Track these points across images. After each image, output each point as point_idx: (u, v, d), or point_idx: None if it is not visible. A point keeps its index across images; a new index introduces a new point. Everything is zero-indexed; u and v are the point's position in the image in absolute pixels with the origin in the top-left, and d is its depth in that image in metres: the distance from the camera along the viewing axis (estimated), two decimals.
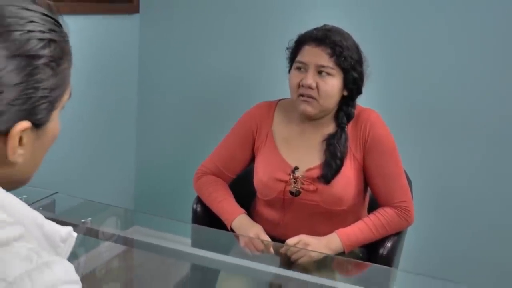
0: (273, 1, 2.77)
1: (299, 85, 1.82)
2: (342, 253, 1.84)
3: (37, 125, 0.78)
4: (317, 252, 1.79)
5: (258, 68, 2.81)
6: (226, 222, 1.93)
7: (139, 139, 3.23)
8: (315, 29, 1.87)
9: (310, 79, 1.79)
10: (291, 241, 1.81)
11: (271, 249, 1.84)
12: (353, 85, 1.84)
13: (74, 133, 2.73)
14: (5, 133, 0.74)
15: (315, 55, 1.80)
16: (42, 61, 0.75)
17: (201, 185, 2.02)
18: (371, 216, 1.88)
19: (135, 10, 3.00)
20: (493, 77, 2.49)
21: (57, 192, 1.88)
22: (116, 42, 2.94)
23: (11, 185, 0.79)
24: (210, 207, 2.00)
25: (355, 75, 1.82)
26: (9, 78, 0.72)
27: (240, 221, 1.90)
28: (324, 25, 1.89)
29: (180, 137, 3.10)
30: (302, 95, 1.83)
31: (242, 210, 1.94)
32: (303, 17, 2.60)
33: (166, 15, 3.00)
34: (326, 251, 1.81)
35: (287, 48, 1.92)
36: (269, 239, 1.85)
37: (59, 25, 0.81)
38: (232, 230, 1.90)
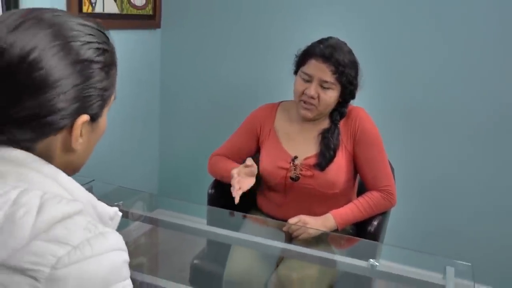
0: (275, 17, 2.74)
1: (303, 93, 1.81)
2: (335, 230, 1.83)
3: (93, 119, 0.81)
4: (315, 229, 1.78)
5: (262, 74, 2.80)
6: (228, 180, 1.87)
7: (161, 135, 3.22)
8: (322, 42, 1.82)
9: (313, 90, 1.79)
10: (292, 220, 1.80)
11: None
12: (348, 96, 1.84)
13: (107, 131, 2.73)
14: (71, 126, 0.77)
15: (320, 70, 1.77)
16: (98, 66, 0.79)
17: (211, 163, 2.05)
18: (360, 198, 1.87)
19: (157, 25, 2.98)
20: (473, 75, 2.46)
21: (93, 180, 1.87)
22: (141, 53, 2.92)
23: (69, 172, 0.81)
24: (219, 177, 2.00)
25: (351, 88, 1.82)
26: (73, 80, 0.75)
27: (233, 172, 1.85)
28: (329, 38, 1.84)
29: (197, 133, 3.08)
30: (304, 102, 1.82)
31: (236, 164, 1.91)
32: (303, 30, 2.60)
33: (184, 30, 2.98)
34: (322, 228, 1.80)
35: (296, 55, 1.88)
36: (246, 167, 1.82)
37: (108, 38, 0.84)
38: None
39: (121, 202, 1.82)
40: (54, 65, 0.73)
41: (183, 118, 3.13)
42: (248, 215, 1.97)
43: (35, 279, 0.64)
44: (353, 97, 1.87)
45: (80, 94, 0.76)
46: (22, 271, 0.65)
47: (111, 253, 0.71)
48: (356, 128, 1.86)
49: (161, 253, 2.56)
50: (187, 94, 3.07)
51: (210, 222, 1.92)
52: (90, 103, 0.79)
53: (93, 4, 2.45)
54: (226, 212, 1.94)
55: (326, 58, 1.76)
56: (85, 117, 0.78)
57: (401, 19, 2.52)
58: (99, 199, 0.84)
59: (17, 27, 0.73)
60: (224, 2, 2.85)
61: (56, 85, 0.73)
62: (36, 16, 0.75)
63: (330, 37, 1.84)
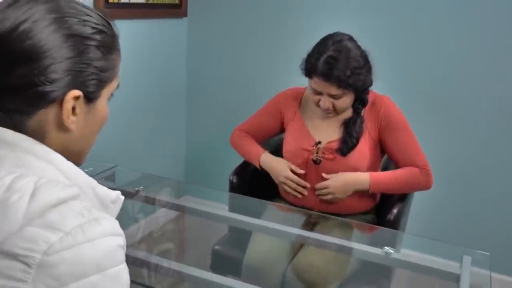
0: (301, 9, 2.74)
1: (318, 103, 1.82)
2: (355, 216, 1.84)
3: (88, 98, 0.80)
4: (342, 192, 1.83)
5: (287, 62, 2.78)
6: (254, 163, 1.98)
7: (188, 123, 3.26)
8: (320, 55, 1.74)
9: (327, 104, 1.79)
10: (321, 186, 1.84)
11: (304, 183, 1.88)
12: (364, 91, 1.83)
13: (134, 119, 2.78)
14: (61, 100, 0.76)
15: (324, 87, 1.75)
16: (93, 43, 0.78)
17: (235, 137, 2.09)
18: (398, 169, 1.86)
19: (184, 14, 3.01)
20: (491, 65, 2.42)
21: (116, 166, 1.91)
22: (168, 41, 2.95)
23: (68, 155, 0.80)
24: (240, 153, 2.06)
25: (364, 86, 1.80)
26: (65, 52, 0.75)
27: (263, 161, 1.96)
28: (329, 40, 1.76)
29: (222, 120, 3.11)
30: (323, 110, 1.83)
31: (263, 150, 1.99)
32: (317, 21, 2.59)
33: (210, 18, 3.00)
34: (351, 191, 1.83)
35: (301, 69, 1.82)
36: (299, 171, 1.88)
37: (110, 25, 0.83)
38: (262, 168, 1.96)
39: (141, 187, 1.85)
40: (45, 36, 0.73)
41: (209, 106, 3.16)
42: (269, 202, 1.99)
43: (27, 264, 0.64)
44: (369, 87, 1.84)
45: (72, 67, 0.76)
46: (14, 256, 0.65)
47: (104, 238, 0.70)
48: (381, 116, 1.85)
49: (186, 238, 2.59)
50: (213, 82, 3.11)
51: (232, 209, 1.95)
52: (84, 79, 0.78)
53: None
54: (246, 198, 1.97)
55: (327, 77, 1.71)
56: (76, 92, 0.77)
57: (419, 12, 2.50)
58: (118, 185, 0.84)
59: (14, 3, 0.75)
60: None
61: (47, 55, 0.73)
62: None
63: (331, 38, 1.77)
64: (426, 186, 1.87)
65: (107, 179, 1.88)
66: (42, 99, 0.75)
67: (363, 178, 1.82)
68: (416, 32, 2.54)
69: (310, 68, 1.77)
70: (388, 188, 1.86)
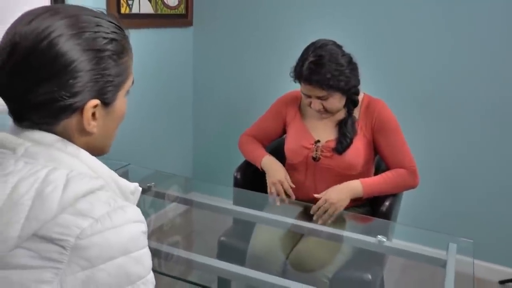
0: (299, 16, 2.76)
1: (310, 105, 1.86)
2: (359, 199, 1.86)
3: (106, 103, 0.82)
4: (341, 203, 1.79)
5: (287, 66, 2.81)
6: (256, 164, 2.00)
7: (195, 125, 3.28)
8: (302, 63, 1.79)
9: (317, 106, 1.83)
10: (319, 203, 1.79)
11: (290, 193, 1.87)
12: (351, 90, 1.84)
13: (145, 122, 2.80)
14: (82, 109, 0.79)
15: (311, 90, 1.80)
16: (106, 53, 0.80)
17: (241, 142, 2.11)
18: (386, 172, 1.88)
19: (189, 23, 3.04)
20: (482, 64, 2.44)
21: (129, 164, 1.93)
22: (175, 49, 2.98)
23: (93, 152, 0.83)
24: (246, 156, 2.08)
25: (348, 86, 1.80)
26: (83, 65, 0.77)
27: (265, 162, 1.97)
28: (312, 46, 1.80)
29: (226, 123, 3.14)
30: (316, 111, 1.86)
31: (267, 153, 2.00)
32: (318, 24, 2.61)
33: (214, 27, 3.03)
34: (349, 197, 1.81)
35: (291, 76, 1.86)
36: (291, 185, 1.88)
37: (120, 28, 0.85)
38: (262, 169, 1.97)
39: (153, 183, 1.87)
40: (65, 52, 0.74)
41: (214, 109, 3.18)
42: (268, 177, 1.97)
43: (63, 247, 0.68)
44: (357, 90, 1.86)
45: (90, 79, 0.77)
46: (51, 240, 0.69)
47: (129, 224, 0.74)
48: (375, 119, 1.87)
49: (194, 231, 2.61)
50: (218, 86, 3.12)
51: (236, 202, 1.97)
52: (100, 87, 0.80)
53: (130, 6, 2.52)
54: (249, 192, 1.99)
55: (310, 81, 1.76)
56: (94, 102, 0.79)
57: (411, 13, 2.51)
58: (137, 181, 0.88)
59: (33, 20, 0.75)
60: (251, 3, 2.88)
61: (67, 71, 0.75)
62: (51, 9, 0.78)
63: (313, 45, 1.81)
64: (412, 185, 1.89)
65: (121, 176, 1.87)
66: (64, 111, 0.78)
67: (355, 185, 1.83)
68: (407, 34, 2.55)
69: (296, 75, 1.83)
70: (380, 191, 1.87)
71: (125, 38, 0.85)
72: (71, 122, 0.80)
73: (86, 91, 0.78)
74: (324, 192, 1.82)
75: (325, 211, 1.79)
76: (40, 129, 0.79)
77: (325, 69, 1.74)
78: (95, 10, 0.83)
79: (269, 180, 1.92)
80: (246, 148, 2.08)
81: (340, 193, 1.80)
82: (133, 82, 0.89)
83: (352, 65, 1.82)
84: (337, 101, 1.83)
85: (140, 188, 0.90)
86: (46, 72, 0.74)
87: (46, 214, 0.69)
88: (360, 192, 1.83)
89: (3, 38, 0.77)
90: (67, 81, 0.75)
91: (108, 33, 0.81)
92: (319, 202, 1.80)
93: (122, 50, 0.83)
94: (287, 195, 1.89)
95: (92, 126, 0.81)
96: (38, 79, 0.74)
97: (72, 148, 0.80)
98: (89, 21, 0.79)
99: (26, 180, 0.72)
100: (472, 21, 2.40)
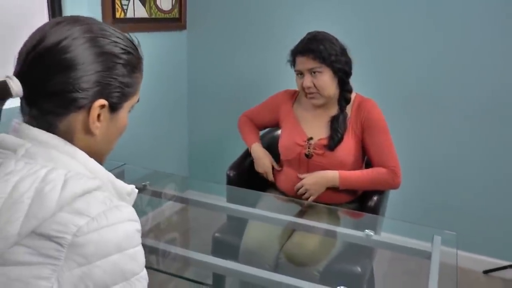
0: (289, 18, 2.77)
1: (303, 87, 1.88)
2: (336, 188, 1.89)
3: (112, 108, 0.85)
4: (318, 187, 1.89)
5: (277, 67, 2.78)
6: (248, 147, 2.14)
7: (190, 126, 3.28)
8: (301, 41, 1.90)
9: (307, 81, 1.86)
10: (297, 186, 1.92)
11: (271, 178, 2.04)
12: (340, 73, 1.86)
13: (141, 122, 2.78)
14: (89, 108, 0.81)
15: (304, 62, 1.85)
16: (121, 61, 0.83)
17: (240, 121, 2.23)
18: (367, 169, 1.92)
19: (183, 27, 3.04)
20: (468, 63, 2.45)
21: (125, 164, 1.93)
22: (169, 52, 2.98)
23: (91, 155, 0.84)
24: (242, 136, 2.19)
25: (339, 65, 1.84)
26: (96, 66, 0.80)
27: (253, 150, 2.11)
28: (308, 33, 1.90)
29: (220, 122, 3.13)
30: (307, 93, 1.88)
31: (257, 140, 2.13)
32: (307, 26, 2.61)
33: (207, 30, 3.03)
34: (323, 180, 1.88)
35: (288, 61, 1.94)
36: (277, 168, 2.05)
37: (136, 48, 0.88)
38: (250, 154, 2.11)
39: (148, 182, 1.87)
40: (81, 52, 0.79)
41: (208, 109, 3.18)
42: (263, 192, 2.02)
43: (60, 244, 0.69)
44: (347, 74, 1.89)
45: (101, 80, 0.81)
46: (49, 238, 0.69)
47: (124, 223, 0.75)
48: (365, 117, 1.89)
49: (190, 228, 2.61)
50: (212, 88, 3.12)
51: (229, 200, 1.97)
52: (110, 91, 0.83)
53: (125, 10, 2.52)
54: (242, 190, 2.00)
55: (305, 50, 1.84)
56: (102, 101, 0.82)
57: (400, 12, 2.52)
58: (128, 181, 0.88)
59: (58, 24, 0.81)
60: (242, 6, 2.89)
61: (80, 68, 0.78)
62: (75, 19, 0.83)
63: (309, 33, 1.90)
64: (392, 186, 1.90)
65: (117, 175, 1.86)
66: (73, 104, 0.80)
67: (332, 175, 1.87)
68: (395, 33, 2.55)
69: (293, 51, 1.90)
70: (356, 185, 1.90)
71: (140, 58, 0.89)
72: (76, 118, 0.81)
73: (96, 90, 0.81)
74: (306, 175, 1.91)
75: (302, 195, 1.91)
76: (46, 121, 0.81)
77: (319, 42, 1.83)
78: (115, 28, 0.87)
79: (256, 168, 2.08)
80: (242, 128, 2.20)
81: (317, 182, 1.88)
82: (138, 100, 0.92)
83: (345, 53, 1.88)
84: (327, 79, 1.85)
85: (137, 190, 0.90)
86: (62, 66, 0.78)
87: (44, 212, 0.70)
88: (336, 183, 1.87)
89: (33, 33, 0.82)
90: (80, 77, 0.78)
91: (125, 45, 0.85)
92: (297, 185, 1.92)
93: (136, 65, 0.87)
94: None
95: (96, 126, 0.83)
96: (53, 72, 0.78)
97: (71, 148, 0.81)
98: (109, 31, 0.84)
99: (26, 179, 0.73)
100: (461, 21, 2.40)
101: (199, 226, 2.56)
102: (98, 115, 0.82)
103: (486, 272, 2.61)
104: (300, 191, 1.91)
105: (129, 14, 2.55)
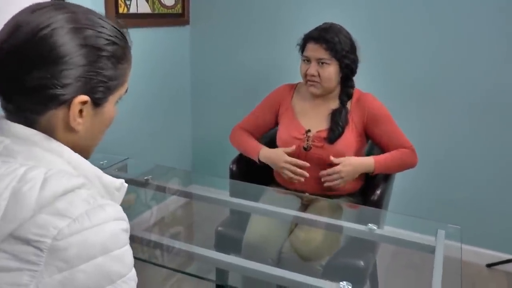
0: (291, 12, 2.73)
1: (306, 74, 1.85)
2: (343, 197, 1.84)
3: (95, 103, 0.78)
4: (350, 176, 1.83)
5: (280, 62, 2.79)
6: (254, 158, 1.96)
7: (193, 121, 3.25)
8: (315, 28, 1.88)
9: (313, 69, 1.83)
10: (330, 171, 1.82)
11: (302, 163, 1.85)
12: (346, 69, 1.84)
13: (145, 118, 2.77)
14: (70, 103, 0.74)
15: (314, 50, 1.83)
16: (105, 54, 0.76)
17: (232, 136, 2.08)
18: (391, 152, 1.88)
19: (186, 22, 3.00)
20: (471, 56, 2.41)
21: (128, 158, 1.90)
22: (172, 47, 2.95)
23: (75, 150, 0.78)
24: (241, 149, 2.04)
25: (347, 61, 1.83)
26: (78, 60, 0.73)
27: (263, 155, 1.94)
28: (324, 23, 1.88)
29: (224, 117, 3.09)
30: (309, 80, 1.85)
31: (261, 145, 1.98)
32: (309, 22, 2.58)
33: (210, 26, 3.00)
34: (357, 175, 1.85)
35: (298, 44, 1.92)
36: (292, 149, 1.87)
37: (123, 36, 0.81)
38: (261, 162, 1.94)
39: (150, 176, 1.85)
40: (62, 43, 0.71)
41: (211, 104, 3.15)
42: (266, 187, 1.99)
43: (39, 249, 0.64)
44: (352, 72, 1.86)
45: (83, 74, 0.73)
46: (27, 242, 0.64)
47: (109, 223, 0.69)
48: (366, 112, 1.87)
49: (193, 222, 2.60)
50: (215, 83, 3.09)
51: (232, 194, 1.94)
52: (92, 86, 0.75)
53: (128, 6, 2.49)
54: (245, 184, 1.97)
55: (319, 38, 1.81)
56: (84, 97, 0.75)
57: (400, 8, 2.48)
58: (131, 175, 0.83)
59: (39, 9, 0.73)
60: (246, 1, 2.85)
61: (61, 61, 0.71)
62: (58, 4, 0.75)
63: (326, 23, 1.88)
64: (413, 163, 1.90)
65: (120, 169, 1.85)
66: (53, 101, 0.73)
67: (368, 161, 1.85)
68: (395, 29, 2.52)
69: (306, 36, 1.87)
70: (389, 168, 1.88)
71: (127, 47, 0.82)
72: (57, 114, 0.75)
73: (77, 85, 0.73)
74: (342, 159, 1.81)
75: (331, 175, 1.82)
76: (25, 117, 0.74)
77: (334, 34, 1.81)
78: (102, 14, 0.80)
79: (277, 168, 1.90)
80: (238, 141, 2.05)
81: (354, 169, 1.82)
82: (126, 91, 0.85)
83: (354, 50, 1.86)
84: (332, 72, 1.83)
85: (126, 185, 0.84)
86: (41, 59, 0.70)
87: (23, 214, 0.65)
88: (372, 169, 1.85)
89: (8, 21, 0.74)
90: (61, 71, 0.71)
91: (110, 35, 0.77)
92: (330, 171, 1.81)
93: (121, 56, 0.80)
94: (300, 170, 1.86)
95: (77, 123, 0.76)
96: (32, 65, 0.71)
97: (55, 145, 0.75)
98: (93, 20, 0.76)
99: (2, 179, 0.67)
100: (461, 16, 2.37)
101: (202, 220, 2.54)
102: (80, 111, 0.76)
103: (489, 265, 2.57)
104: (334, 176, 1.82)
105: (132, 10, 2.52)
